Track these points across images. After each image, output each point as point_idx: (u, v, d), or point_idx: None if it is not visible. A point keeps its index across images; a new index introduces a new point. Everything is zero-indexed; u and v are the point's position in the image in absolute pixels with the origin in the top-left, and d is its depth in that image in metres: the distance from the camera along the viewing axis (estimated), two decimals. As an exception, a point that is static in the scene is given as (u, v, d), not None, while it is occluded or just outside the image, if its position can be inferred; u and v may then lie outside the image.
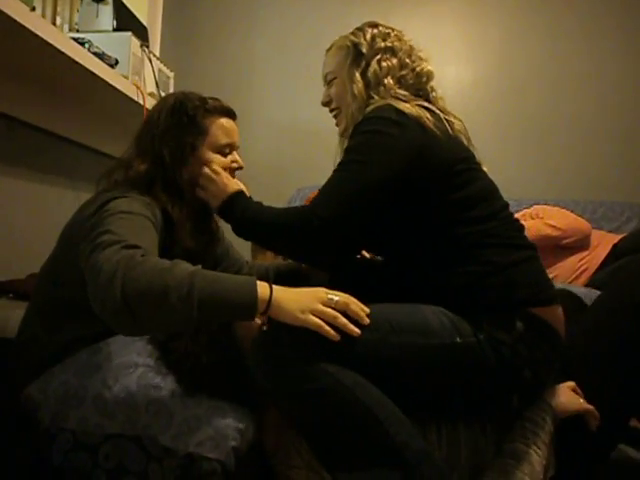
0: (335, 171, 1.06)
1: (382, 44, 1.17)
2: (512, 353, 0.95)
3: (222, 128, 1.15)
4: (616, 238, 2.03)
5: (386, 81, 1.14)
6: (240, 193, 1.13)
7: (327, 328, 0.82)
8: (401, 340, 0.92)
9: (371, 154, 1.03)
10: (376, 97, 1.13)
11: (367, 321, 0.88)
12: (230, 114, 1.18)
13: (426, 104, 1.12)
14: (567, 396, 1.08)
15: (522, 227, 1.11)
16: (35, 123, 1.71)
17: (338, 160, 1.11)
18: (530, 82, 2.79)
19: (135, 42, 1.91)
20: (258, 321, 0.90)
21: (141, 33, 2.05)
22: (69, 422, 0.84)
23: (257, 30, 2.97)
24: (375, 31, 1.20)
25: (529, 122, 2.79)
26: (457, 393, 0.97)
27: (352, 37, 1.21)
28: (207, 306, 0.76)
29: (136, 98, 1.83)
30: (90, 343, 0.97)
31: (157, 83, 2.07)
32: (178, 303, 0.74)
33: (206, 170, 1.11)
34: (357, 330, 0.86)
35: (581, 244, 2.07)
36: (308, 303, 0.83)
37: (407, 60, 1.17)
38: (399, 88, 1.14)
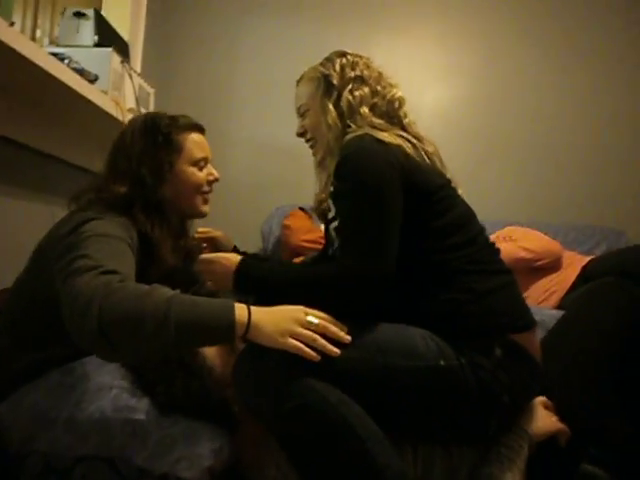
0: (346, 218, 1.04)
1: (352, 73, 1.18)
2: (492, 378, 0.96)
3: (195, 143, 1.18)
4: (586, 259, 2.08)
5: (361, 110, 1.15)
6: (245, 261, 1.08)
7: (307, 350, 0.83)
8: (387, 360, 0.94)
9: (373, 188, 1.02)
10: (353, 126, 1.14)
11: (347, 340, 0.89)
12: (200, 129, 1.22)
13: (403, 133, 1.14)
14: (543, 419, 1.10)
15: (498, 251, 1.14)
16: (10, 136, 1.68)
17: (319, 189, 1.17)
18: (507, 106, 2.86)
19: (116, 58, 1.90)
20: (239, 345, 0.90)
21: (122, 49, 2.05)
22: (39, 444, 0.82)
23: (238, 49, 3.00)
24: (344, 60, 1.21)
25: (505, 145, 2.86)
26: (437, 415, 0.98)
27: (321, 69, 1.23)
28: (185, 332, 0.76)
29: (115, 114, 1.82)
30: (62, 362, 0.95)
31: (137, 99, 2.07)
32: (155, 330, 0.74)
33: (201, 257, 1.12)
34: (336, 350, 0.87)
35: (553, 265, 2.12)
36: (287, 326, 0.83)
37: (378, 87, 1.19)
38: (374, 116, 1.15)
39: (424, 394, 0.96)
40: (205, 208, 1.21)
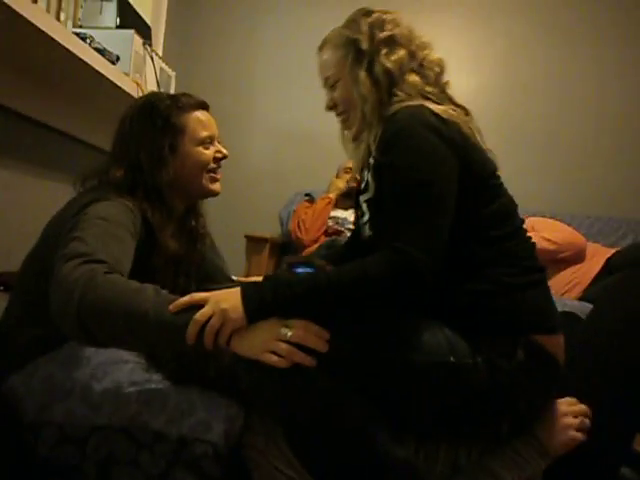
0: (398, 200, 0.92)
1: (382, 34, 1.04)
2: (510, 382, 0.91)
3: (199, 122, 1.14)
4: (610, 251, 2.03)
5: (408, 77, 1.02)
6: (251, 284, 0.90)
7: (283, 364, 0.80)
8: (390, 354, 0.90)
9: (430, 171, 0.92)
10: (401, 94, 1.01)
11: (324, 350, 0.83)
12: (204, 106, 1.18)
13: (456, 108, 1.03)
14: (561, 432, 0.99)
15: (534, 246, 1.05)
16: (33, 116, 1.70)
17: (355, 165, 1.07)
18: (534, 93, 2.81)
19: (138, 40, 1.90)
20: None
21: (144, 31, 2.04)
22: (55, 415, 0.83)
23: (259, 32, 2.99)
24: (370, 20, 1.07)
25: (531, 134, 2.80)
26: (443, 411, 0.94)
27: (347, 32, 1.08)
28: (164, 336, 0.77)
29: (136, 96, 1.82)
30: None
31: (158, 82, 2.07)
32: (135, 329, 0.76)
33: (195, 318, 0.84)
34: (313, 362, 0.82)
35: (576, 257, 2.08)
36: (263, 342, 0.81)
37: (413, 48, 1.06)
38: (426, 85, 1.03)
39: (429, 390, 0.91)
40: (214, 186, 1.18)
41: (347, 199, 2.58)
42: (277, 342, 0.81)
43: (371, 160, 1.03)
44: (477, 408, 0.93)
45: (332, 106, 1.14)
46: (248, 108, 2.93)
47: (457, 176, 0.94)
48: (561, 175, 2.77)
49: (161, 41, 2.65)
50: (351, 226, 2.53)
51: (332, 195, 2.52)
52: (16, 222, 1.70)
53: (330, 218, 2.51)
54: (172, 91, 2.22)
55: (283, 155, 2.93)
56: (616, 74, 2.74)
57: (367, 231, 1.08)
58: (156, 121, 1.08)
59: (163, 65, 2.16)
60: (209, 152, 1.15)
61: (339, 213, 2.58)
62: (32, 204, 1.78)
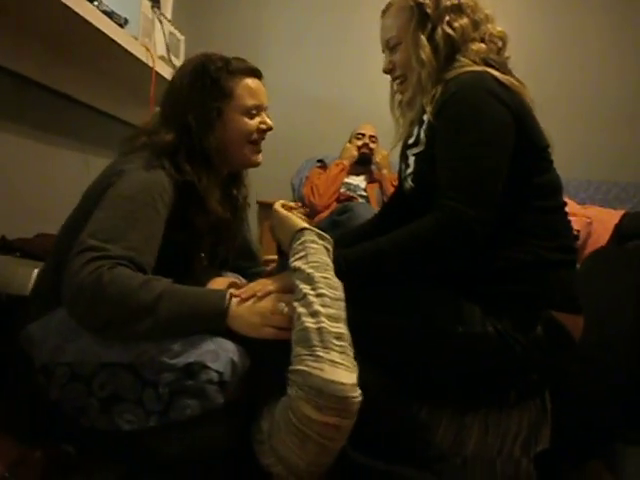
0: (456, 159, 0.95)
1: (447, 2, 1.04)
2: (524, 355, 0.92)
3: (248, 89, 1.10)
4: (614, 215, 1.96)
5: (472, 45, 1.03)
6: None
7: (284, 334, 0.83)
8: (403, 322, 0.92)
9: (489, 132, 0.94)
10: (464, 60, 1.02)
11: None
12: (256, 73, 1.13)
13: (518, 79, 1.03)
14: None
15: (572, 228, 1.07)
16: (41, 81, 1.69)
17: (401, 132, 1.08)
18: (550, 61, 2.74)
19: (146, 3, 1.87)
20: None
21: (152, -6, 2.01)
22: (66, 355, 0.84)
23: (269, -3, 2.92)
24: None
25: (547, 101, 2.73)
26: (448, 377, 0.96)
27: None
28: (172, 327, 0.83)
29: (145, 60, 1.80)
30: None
31: (167, 46, 2.04)
32: (142, 326, 0.80)
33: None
34: None
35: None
36: (261, 319, 0.86)
37: (477, 18, 1.06)
38: (489, 52, 1.04)
39: (438, 358, 0.93)
40: (256, 158, 1.15)
41: (359, 165, 2.57)
42: (275, 316, 0.85)
43: (425, 117, 1.04)
44: (486, 377, 0.95)
45: (390, 69, 1.15)
46: (258, 73, 2.90)
47: (513, 142, 0.95)
48: (578, 142, 2.70)
49: (170, 4, 2.60)
50: (363, 192, 2.53)
51: (346, 162, 2.51)
52: (26, 188, 1.71)
53: (342, 185, 2.51)
54: (182, 56, 2.19)
55: (294, 122, 2.90)
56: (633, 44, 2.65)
57: (409, 183, 1.09)
58: (205, 82, 1.05)
59: (172, 29, 2.13)
60: (254, 122, 1.11)
61: (351, 180, 2.56)
62: (43, 170, 1.79)
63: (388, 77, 1.17)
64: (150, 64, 1.82)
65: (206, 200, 1.03)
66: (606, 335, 1.11)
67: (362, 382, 0.74)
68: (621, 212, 2.02)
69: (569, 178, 2.43)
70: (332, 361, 0.73)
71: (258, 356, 0.88)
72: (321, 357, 0.73)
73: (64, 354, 0.84)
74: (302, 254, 0.87)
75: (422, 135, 1.05)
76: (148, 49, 1.83)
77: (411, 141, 1.09)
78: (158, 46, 1.99)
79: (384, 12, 1.15)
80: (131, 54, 1.72)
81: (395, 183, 1.32)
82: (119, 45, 1.63)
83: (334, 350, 0.74)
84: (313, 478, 0.78)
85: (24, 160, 1.70)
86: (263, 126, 1.13)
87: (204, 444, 0.87)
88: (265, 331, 0.85)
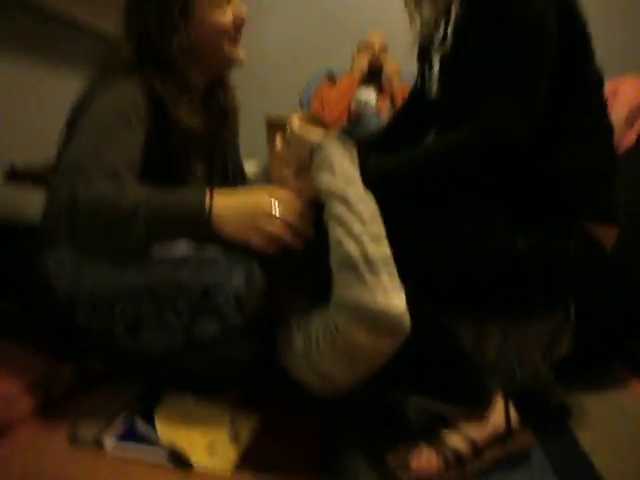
0: (494, 57, 0.85)
1: None
2: (554, 270, 0.90)
3: None
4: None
5: None
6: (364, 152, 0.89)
7: (269, 249, 0.80)
8: (432, 234, 0.87)
9: (533, 24, 0.83)
10: None
11: (310, 236, 0.82)
12: None
13: None
14: None
15: (613, 128, 0.98)
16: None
17: (419, 28, 0.97)
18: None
19: None
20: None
21: None
22: (85, 286, 0.85)
23: None
24: None
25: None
26: (471, 286, 0.92)
27: None
28: (155, 234, 0.79)
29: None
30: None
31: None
32: (125, 239, 0.77)
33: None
34: (299, 246, 0.81)
35: None
36: (251, 221, 0.80)
37: None
38: None
39: (467, 266, 0.88)
40: (238, 53, 1.04)
41: (368, 76, 2.46)
42: (265, 226, 0.80)
43: (453, 14, 0.93)
44: (512, 289, 0.92)
45: None
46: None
47: (555, 31, 0.85)
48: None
49: None
50: (373, 109, 2.43)
51: (357, 74, 2.40)
52: (22, 113, 1.67)
53: (353, 101, 2.42)
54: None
55: (300, 36, 2.81)
56: None
57: (434, 88, 1.01)
58: None
59: None
60: (227, 15, 1.00)
61: (361, 93, 2.46)
62: (37, 94, 1.74)
63: None
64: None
65: (173, 110, 0.96)
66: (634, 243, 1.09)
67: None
68: None
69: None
70: (383, 286, 0.71)
71: (276, 270, 0.86)
72: (371, 283, 0.71)
73: (82, 285, 0.85)
74: (327, 170, 0.82)
75: (449, 32, 0.94)
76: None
77: (435, 40, 0.99)
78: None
79: None
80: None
81: (406, 95, 1.23)
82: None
83: (382, 273, 0.72)
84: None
85: (17, 83, 1.65)
86: (238, 21, 1.02)
87: (228, 362, 0.89)
88: (252, 240, 0.80)
